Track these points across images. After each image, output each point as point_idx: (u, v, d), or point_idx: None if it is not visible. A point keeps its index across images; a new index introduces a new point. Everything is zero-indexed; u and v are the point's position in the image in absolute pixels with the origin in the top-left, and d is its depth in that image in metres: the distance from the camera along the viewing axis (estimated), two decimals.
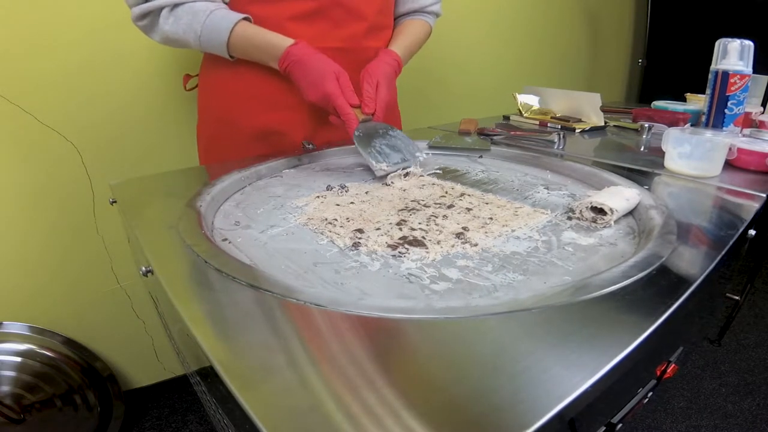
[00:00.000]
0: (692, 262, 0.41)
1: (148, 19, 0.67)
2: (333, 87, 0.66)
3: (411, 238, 0.47)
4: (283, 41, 0.68)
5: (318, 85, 0.66)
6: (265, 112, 0.76)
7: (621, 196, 0.52)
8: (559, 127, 0.97)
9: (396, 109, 0.91)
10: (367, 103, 0.68)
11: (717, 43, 0.81)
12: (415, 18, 0.86)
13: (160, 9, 0.66)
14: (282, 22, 0.69)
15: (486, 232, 0.48)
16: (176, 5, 0.66)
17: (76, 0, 0.87)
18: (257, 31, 0.68)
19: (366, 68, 0.71)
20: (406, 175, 0.64)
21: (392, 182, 0.63)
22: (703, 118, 0.86)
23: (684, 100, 1.16)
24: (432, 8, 0.87)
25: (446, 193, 0.60)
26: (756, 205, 0.55)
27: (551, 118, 1.03)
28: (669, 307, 0.33)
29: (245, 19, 0.68)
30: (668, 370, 0.50)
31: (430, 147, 0.80)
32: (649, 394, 0.48)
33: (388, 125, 0.69)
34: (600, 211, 0.50)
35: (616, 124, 1.03)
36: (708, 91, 0.84)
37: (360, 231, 0.48)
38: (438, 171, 0.70)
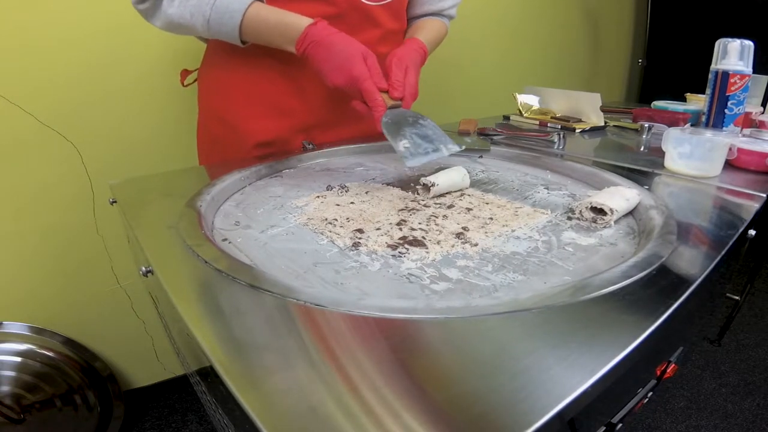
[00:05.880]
0: (692, 262, 0.41)
1: (150, 2, 0.64)
2: (361, 69, 0.61)
3: (411, 238, 0.47)
4: (301, 20, 0.63)
5: (344, 67, 0.61)
6: (269, 117, 0.75)
7: (621, 196, 0.52)
8: (559, 127, 0.97)
9: None
10: (396, 87, 0.63)
11: (717, 43, 0.81)
12: (433, 18, 0.84)
13: None
14: None
15: (486, 232, 0.48)
16: None
17: (77, 1, 0.87)
18: (271, 10, 0.64)
19: (395, 53, 0.67)
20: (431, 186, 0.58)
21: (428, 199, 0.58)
22: (703, 118, 0.86)
23: (684, 100, 1.16)
24: (449, 11, 0.85)
25: (446, 192, 0.60)
26: (756, 206, 0.55)
27: (551, 118, 1.03)
28: (669, 307, 0.33)
29: None
30: (668, 370, 0.50)
31: None
32: (649, 394, 0.48)
33: (417, 113, 0.64)
34: (600, 211, 0.50)
35: (616, 124, 1.03)
36: (708, 91, 0.84)
37: (360, 231, 0.48)
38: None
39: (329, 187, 0.61)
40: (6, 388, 0.91)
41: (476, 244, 0.45)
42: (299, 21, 0.63)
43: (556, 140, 0.82)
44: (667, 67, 2.04)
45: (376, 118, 0.61)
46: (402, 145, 0.58)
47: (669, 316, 0.32)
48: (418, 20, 0.83)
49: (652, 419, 1.17)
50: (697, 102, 1.10)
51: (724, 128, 0.82)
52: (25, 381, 0.93)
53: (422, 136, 0.60)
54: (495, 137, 0.87)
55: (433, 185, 0.57)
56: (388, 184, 0.64)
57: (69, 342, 1.01)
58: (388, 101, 0.62)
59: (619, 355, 0.28)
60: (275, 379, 0.26)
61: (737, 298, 1.43)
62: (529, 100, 1.09)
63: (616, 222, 0.50)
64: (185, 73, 0.82)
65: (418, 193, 0.59)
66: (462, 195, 0.59)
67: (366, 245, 0.45)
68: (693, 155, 0.66)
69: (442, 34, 0.83)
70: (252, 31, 0.65)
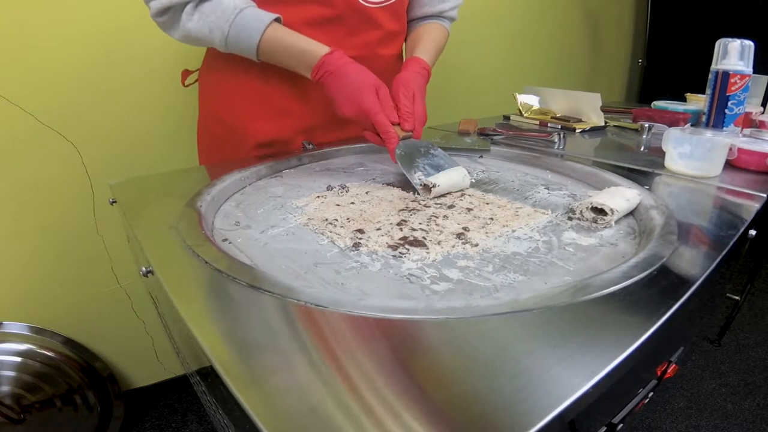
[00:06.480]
0: (693, 262, 0.41)
1: (169, 15, 0.64)
2: (372, 102, 0.62)
3: (411, 238, 0.47)
4: (318, 48, 0.64)
5: (356, 99, 0.62)
6: (269, 119, 0.75)
7: (621, 196, 0.52)
8: (560, 127, 0.97)
9: None
10: (406, 119, 0.64)
11: (717, 43, 0.81)
12: (433, 22, 0.83)
13: (184, 5, 0.62)
14: (296, 27, 0.65)
15: (486, 233, 0.48)
16: (201, 1, 0.62)
17: (76, 1, 0.87)
18: (287, 34, 0.64)
19: (400, 79, 0.67)
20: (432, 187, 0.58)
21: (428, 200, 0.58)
22: (704, 118, 0.86)
23: (684, 100, 1.16)
24: (450, 13, 0.84)
25: (446, 193, 0.60)
26: (756, 205, 0.55)
27: (551, 118, 1.03)
28: (670, 307, 0.33)
29: (276, 20, 0.64)
30: (669, 371, 0.50)
31: None
32: (650, 394, 0.48)
33: (428, 143, 0.66)
34: (600, 211, 0.50)
35: (616, 124, 1.03)
36: (708, 91, 0.84)
37: (360, 231, 0.48)
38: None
39: (329, 187, 0.61)
40: (6, 388, 0.91)
41: (477, 245, 0.45)
42: (316, 49, 0.64)
43: (556, 140, 0.82)
44: (667, 67, 2.04)
45: (390, 150, 0.63)
46: (417, 176, 0.61)
47: (670, 317, 0.32)
48: (418, 26, 0.82)
49: (653, 419, 1.17)
50: (697, 102, 1.10)
51: (724, 128, 0.82)
52: (25, 381, 0.93)
53: (434, 166, 0.63)
54: (495, 137, 0.87)
55: (433, 186, 0.57)
56: (388, 184, 0.64)
57: (69, 342, 1.01)
58: (400, 132, 0.64)
59: (619, 355, 0.28)
60: (275, 380, 0.26)
61: (737, 298, 1.43)
62: (529, 100, 1.09)
63: (616, 222, 0.50)
64: (186, 73, 0.82)
65: (418, 194, 0.59)
66: (462, 195, 0.59)
67: (366, 245, 0.45)
68: (693, 155, 0.66)
69: (443, 42, 0.82)
70: (268, 52, 0.65)
